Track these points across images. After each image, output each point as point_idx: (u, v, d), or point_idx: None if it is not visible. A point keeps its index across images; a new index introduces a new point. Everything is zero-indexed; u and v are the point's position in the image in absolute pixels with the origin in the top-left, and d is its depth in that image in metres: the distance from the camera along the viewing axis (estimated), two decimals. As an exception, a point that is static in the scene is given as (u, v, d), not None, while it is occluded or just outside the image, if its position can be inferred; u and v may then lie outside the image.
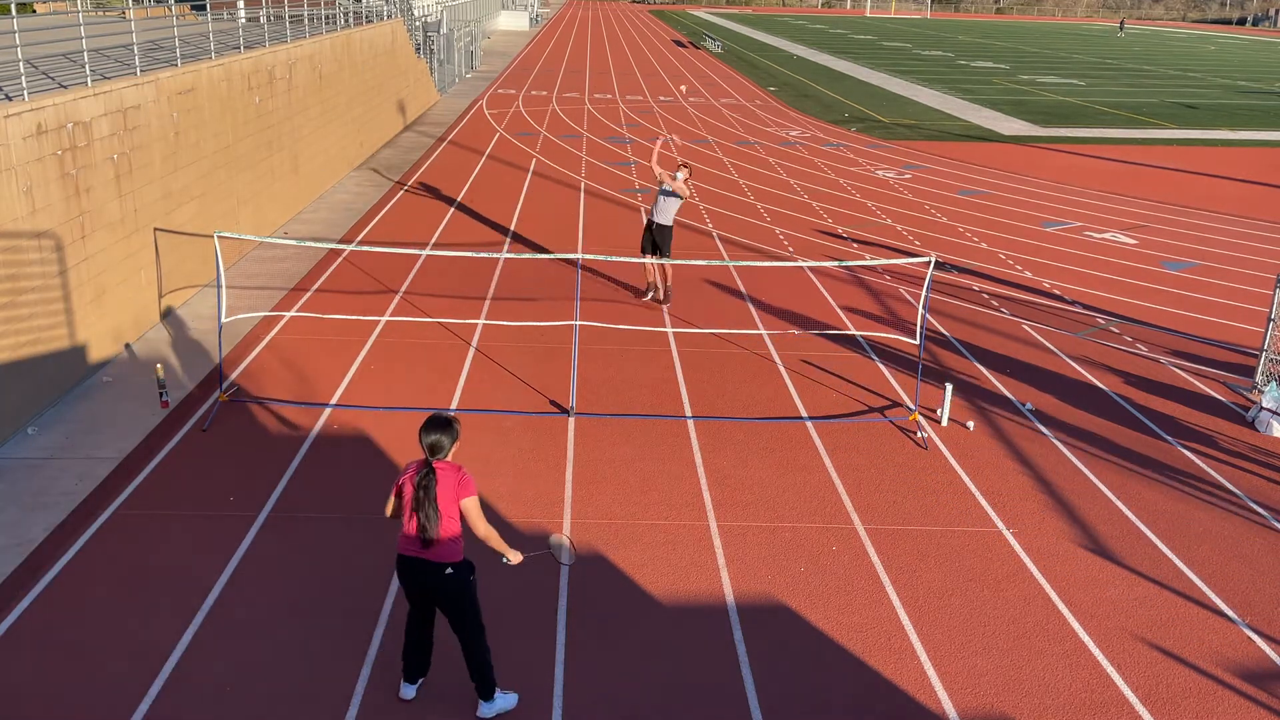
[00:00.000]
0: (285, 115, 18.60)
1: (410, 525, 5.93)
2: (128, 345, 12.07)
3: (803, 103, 38.44)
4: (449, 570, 5.93)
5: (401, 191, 21.00)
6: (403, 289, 14.43)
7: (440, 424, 5.91)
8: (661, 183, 13.45)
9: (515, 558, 6.18)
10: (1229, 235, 19.63)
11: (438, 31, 36.74)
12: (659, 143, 14.43)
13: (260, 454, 9.53)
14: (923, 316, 11.90)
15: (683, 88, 22.56)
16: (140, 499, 8.69)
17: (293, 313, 13.30)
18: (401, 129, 29.07)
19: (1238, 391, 11.92)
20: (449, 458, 5.97)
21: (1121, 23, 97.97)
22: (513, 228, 18.25)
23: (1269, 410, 10.88)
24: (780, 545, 8.34)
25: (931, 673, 6.88)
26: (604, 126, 30.74)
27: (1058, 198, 22.53)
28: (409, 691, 6.41)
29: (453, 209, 19.53)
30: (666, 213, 13.50)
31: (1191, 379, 12.25)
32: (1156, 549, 8.51)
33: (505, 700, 6.35)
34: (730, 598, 7.61)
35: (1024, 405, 11.28)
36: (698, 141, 28.61)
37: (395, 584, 7.61)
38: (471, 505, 5.92)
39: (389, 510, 6.15)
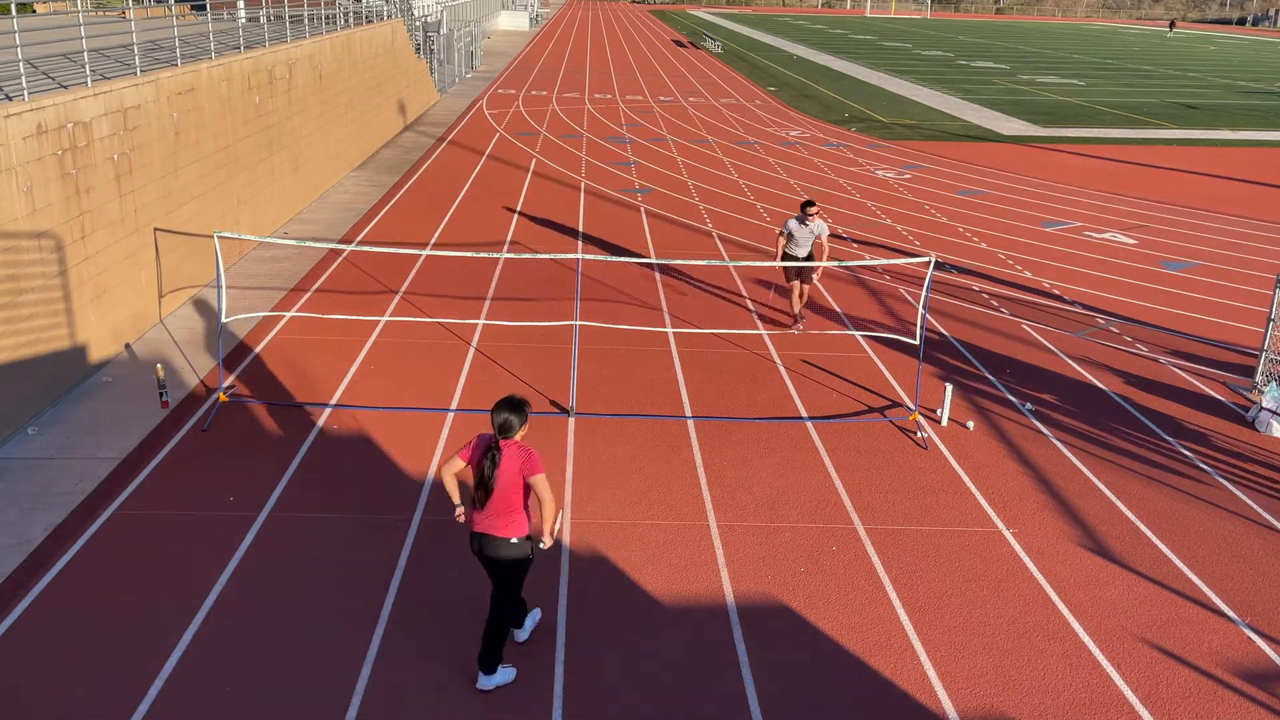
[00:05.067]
0: (285, 115, 18.60)
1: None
2: (128, 345, 12.07)
3: (802, 103, 38.45)
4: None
5: (401, 191, 21.00)
6: (403, 289, 14.43)
7: (511, 405, 6.28)
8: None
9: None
10: (1229, 235, 19.63)
11: (438, 31, 36.75)
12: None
13: (260, 454, 9.53)
14: (923, 316, 11.91)
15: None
16: (140, 499, 8.69)
17: (293, 313, 13.30)
18: (401, 129, 29.08)
19: (1238, 391, 11.92)
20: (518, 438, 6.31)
21: (1171, 23, 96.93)
22: (513, 228, 18.25)
23: (1269, 410, 10.88)
24: (780, 545, 8.34)
25: (931, 673, 6.88)
26: (604, 126, 30.74)
27: (1057, 198, 22.52)
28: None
29: (453, 209, 19.53)
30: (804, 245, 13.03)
31: (1191, 379, 12.25)
32: (1156, 549, 8.51)
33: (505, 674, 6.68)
34: (730, 598, 7.61)
35: (1024, 405, 11.28)
36: (697, 141, 28.61)
37: (395, 584, 7.63)
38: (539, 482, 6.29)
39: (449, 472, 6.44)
